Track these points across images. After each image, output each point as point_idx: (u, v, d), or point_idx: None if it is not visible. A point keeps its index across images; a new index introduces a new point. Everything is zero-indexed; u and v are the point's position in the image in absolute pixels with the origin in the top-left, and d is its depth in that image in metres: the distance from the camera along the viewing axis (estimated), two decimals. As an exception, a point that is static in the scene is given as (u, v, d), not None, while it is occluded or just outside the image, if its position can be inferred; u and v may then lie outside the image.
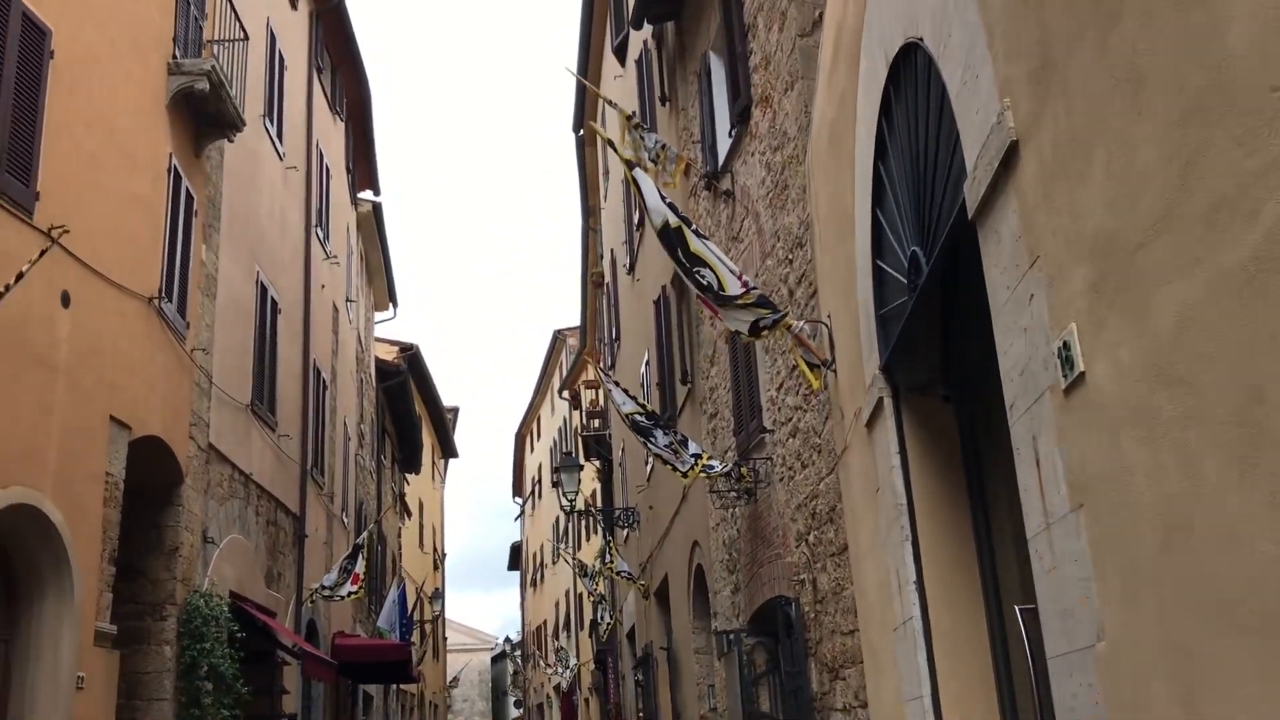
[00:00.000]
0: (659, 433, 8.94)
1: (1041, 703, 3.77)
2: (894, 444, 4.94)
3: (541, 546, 44.88)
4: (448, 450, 44.92)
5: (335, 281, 18.42)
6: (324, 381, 16.75)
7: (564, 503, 16.20)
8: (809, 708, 7.55)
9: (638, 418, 8.99)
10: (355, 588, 14.74)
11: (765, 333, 5.66)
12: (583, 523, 32.50)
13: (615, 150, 7.50)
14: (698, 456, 8.84)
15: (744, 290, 5.68)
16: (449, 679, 50.66)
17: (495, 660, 65.47)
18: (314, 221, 16.48)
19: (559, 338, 36.84)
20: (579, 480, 16.55)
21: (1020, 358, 3.36)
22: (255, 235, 13.34)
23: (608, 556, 16.14)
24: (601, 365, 9.11)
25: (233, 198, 12.25)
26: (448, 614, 59.66)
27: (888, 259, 4.92)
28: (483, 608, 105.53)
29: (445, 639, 48.30)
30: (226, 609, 10.73)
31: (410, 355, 31.61)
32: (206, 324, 11.33)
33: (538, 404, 43.31)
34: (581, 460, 21.72)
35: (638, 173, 6.15)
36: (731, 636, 9.10)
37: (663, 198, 5.93)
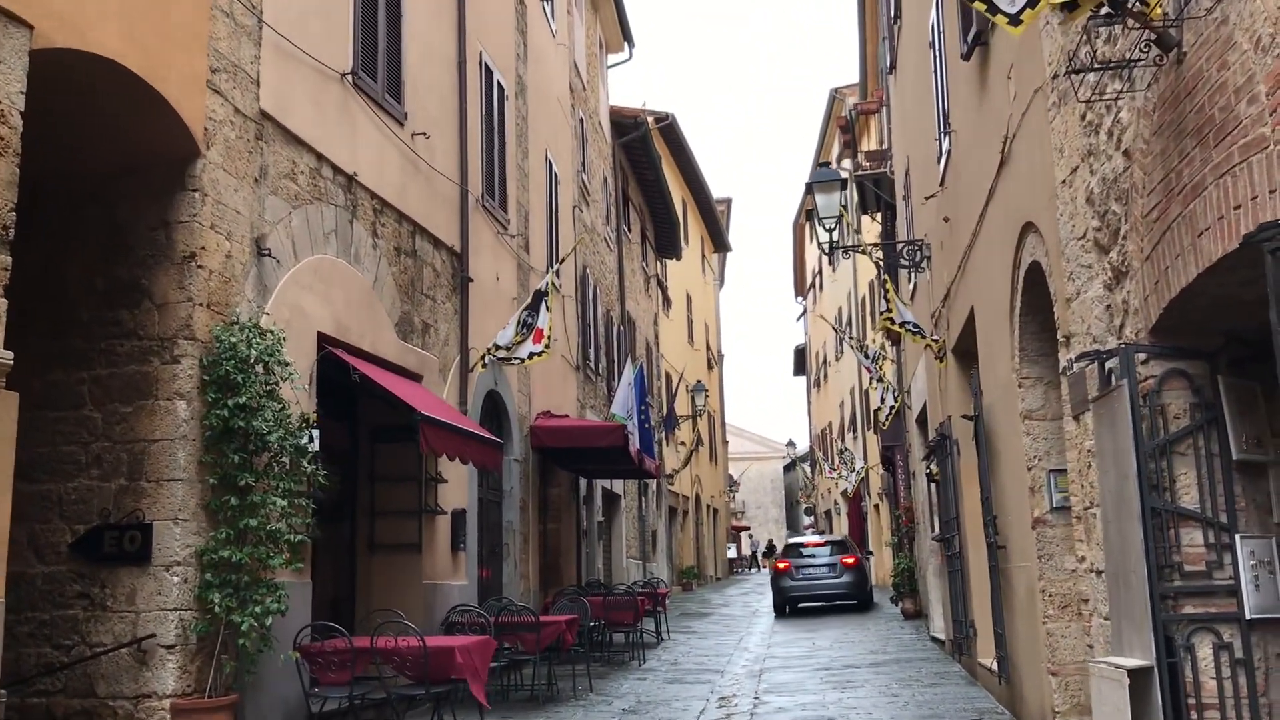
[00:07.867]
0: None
1: None
2: None
3: (824, 343, 41.03)
4: (719, 244, 41.45)
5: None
6: (500, 86, 12.72)
7: (820, 234, 11.62)
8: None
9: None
10: (539, 346, 10.96)
11: None
12: (866, 309, 27.93)
13: None
14: (1043, -24, 4.07)
15: None
16: (729, 483, 48.17)
17: (788, 469, 63.20)
18: None
19: (835, 97, 31.59)
20: (841, 204, 11.89)
21: None
22: None
23: (884, 305, 11.50)
24: None
25: None
26: (736, 422, 57.20)
27: None
28: (775, 417, 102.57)
29: (726, 441, 45.45)
30: (282, 351, 7.06)
31: (665, 125, 27.80)
32: (244, -72, 7.42)
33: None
34: (857, 204, 16.97)
35: None
36: (1111, 363, 4.48)
37: None
